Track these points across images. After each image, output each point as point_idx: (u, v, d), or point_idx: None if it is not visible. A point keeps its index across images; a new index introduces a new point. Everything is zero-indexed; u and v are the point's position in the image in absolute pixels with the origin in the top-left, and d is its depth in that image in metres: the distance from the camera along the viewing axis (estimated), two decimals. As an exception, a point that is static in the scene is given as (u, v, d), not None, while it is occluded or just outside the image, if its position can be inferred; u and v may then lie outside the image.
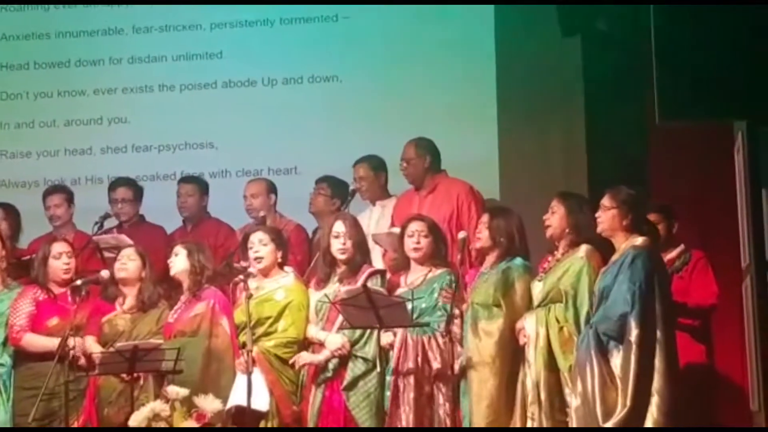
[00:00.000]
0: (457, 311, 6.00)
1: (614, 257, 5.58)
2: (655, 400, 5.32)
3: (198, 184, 7.56)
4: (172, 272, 6.41)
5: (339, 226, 6.28)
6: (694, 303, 6.30)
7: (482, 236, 6.08)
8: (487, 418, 5.80)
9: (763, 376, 5.16)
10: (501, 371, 5.81)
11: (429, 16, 8.20)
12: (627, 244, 5.57)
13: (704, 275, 6.39)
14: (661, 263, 5.75)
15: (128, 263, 6.46)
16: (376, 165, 7.19)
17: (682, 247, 6.50)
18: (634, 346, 5.34)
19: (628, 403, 5.31)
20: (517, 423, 5.76)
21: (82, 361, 6.25)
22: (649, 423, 5.31)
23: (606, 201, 5.66)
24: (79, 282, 6.32)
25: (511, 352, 5.83)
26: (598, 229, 5.68)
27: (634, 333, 5.35)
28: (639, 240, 5.56)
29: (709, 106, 5.24)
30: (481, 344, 5.86)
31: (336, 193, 7.16)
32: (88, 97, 8.52)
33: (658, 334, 5.38)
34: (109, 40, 8.54)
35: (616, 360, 5.39)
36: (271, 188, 7.35)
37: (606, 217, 5.64)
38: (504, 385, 5.80)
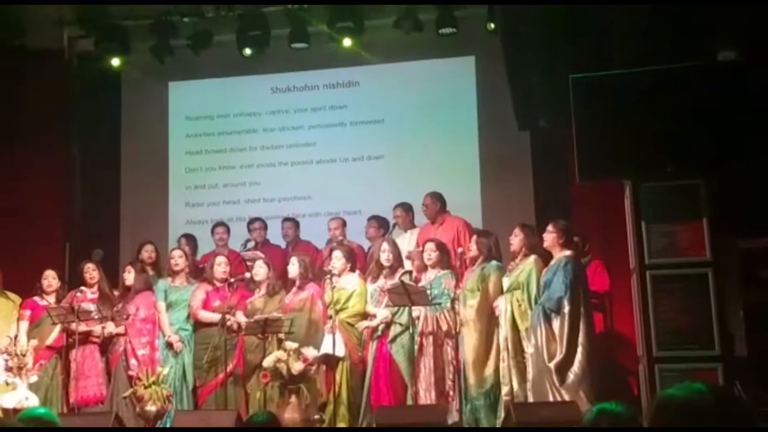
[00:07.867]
0: (456, 296, 5.93)
1: (552, 262, 5.56)
2: (580, 349, 5.30)
3: (293, 222, 7.51)
4: (290, 275, 6.36)
5: (385, 245, 6.24)
6: (594, 289, 6.21)
7: (473, 248, 6.04)
8: (471, 357, 5.72)
9: (645, 334, 5.06)
10: (479, 330, 5.74)
11: (437, 121, 8.13)
12: (561, 254, 5.53)
13: (601, 274, 6.29)
14: (582, 266, 5.74)
15: (260, 269, 6.46)
16: (407, 208, 7.11)
17: (590, 256, 6.41)
18: (567, 316, 5.33)
19: (564, 351, 5.28)
20: (491, 363, 5.68)
21: (235, 327, 6.24)
22: (576, 364, 5.24)
23: (549, 228, 5.63)
24: (232, 280, 6.35)
25: (486, 319, 5.75)
26: (544, 245, 5.62)
27: (566, 308, 5.34)
28: (568, 252, 5.55)
29: (607, 171, 5.17)
30: (467, 313, 5.80)
31: (381, 225, 7.09)
32: (236, 170, 8.50)
33: (581, 309, 5.37)
34: (249, 137, 8.47)
35: (555, 324, 5.37)
36: (344, 223, 7.26)
37: (549, 237, 5.61)
38: (483, 339, 5.72)
